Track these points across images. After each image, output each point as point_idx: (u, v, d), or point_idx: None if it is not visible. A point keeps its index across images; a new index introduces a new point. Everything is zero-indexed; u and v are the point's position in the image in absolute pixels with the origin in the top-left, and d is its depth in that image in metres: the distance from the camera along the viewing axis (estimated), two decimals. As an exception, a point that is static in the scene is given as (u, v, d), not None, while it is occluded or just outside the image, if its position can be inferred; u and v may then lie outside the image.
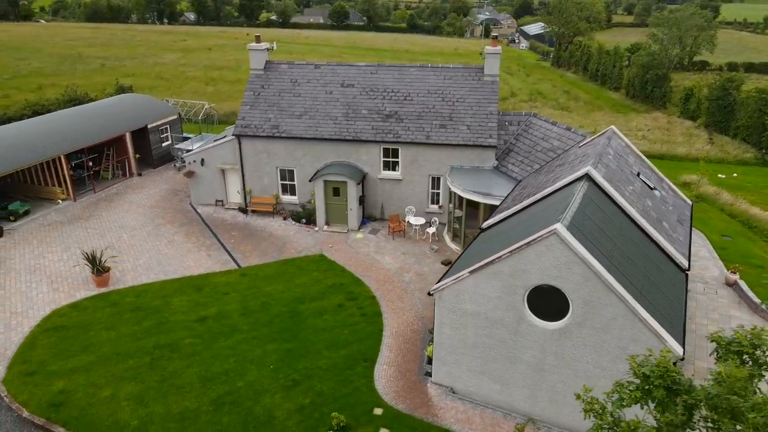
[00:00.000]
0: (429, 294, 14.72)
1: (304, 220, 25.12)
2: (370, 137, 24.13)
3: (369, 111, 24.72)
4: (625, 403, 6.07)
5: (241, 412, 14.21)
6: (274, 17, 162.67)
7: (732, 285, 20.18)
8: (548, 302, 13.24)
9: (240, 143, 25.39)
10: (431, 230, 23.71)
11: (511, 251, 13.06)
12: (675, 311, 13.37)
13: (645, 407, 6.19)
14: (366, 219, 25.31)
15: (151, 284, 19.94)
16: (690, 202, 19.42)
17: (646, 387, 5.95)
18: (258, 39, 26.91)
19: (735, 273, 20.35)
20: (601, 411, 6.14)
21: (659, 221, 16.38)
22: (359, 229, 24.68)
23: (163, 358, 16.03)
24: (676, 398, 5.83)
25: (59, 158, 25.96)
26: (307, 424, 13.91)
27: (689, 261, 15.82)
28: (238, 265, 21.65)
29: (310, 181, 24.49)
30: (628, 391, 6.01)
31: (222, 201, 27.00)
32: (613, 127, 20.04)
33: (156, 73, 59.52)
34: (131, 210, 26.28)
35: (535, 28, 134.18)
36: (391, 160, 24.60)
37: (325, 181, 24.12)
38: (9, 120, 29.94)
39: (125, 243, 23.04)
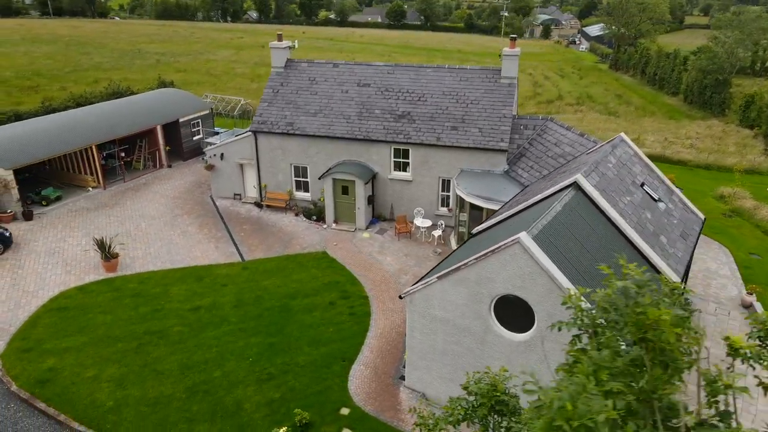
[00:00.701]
0: (400, 297, 14.62)
1: (314, 217, 25.44)
2: (380, 137, 24.13)
3: (382, 111, 24.71)
4: (451, 419, 5.85)
5: (211, 401, 14.59)
6: (332, 16, 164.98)
7: (748, 307, 18.94)
8: (515, 313, 12.87)
9: (256, 139, 25.98)
10: (437, 233, 23.46)
11: (476, 258, 12.77)
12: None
13: (472, 425, 5.97)
14: (375, 219, 25.33)
15: (155, 272, 20.76)
16: (702, 217, 18.31)
17: (474, 404, 5.74)
18: (280, 37, 27.41)
19: (752, 294, 19.08)
20: (432, 427, 5.94)
21: (656, 235, 15.55)
22: (367, 228, 24.74)
23: (150, 343, 16.68)
24: (501, 419, 5.58)
25: (91, 148, 27.40)
26: (272, 419, 14.12)
27: (685, 278, 14.95)
28: (242, 258, 22.19)
29: (319, 178, 24.77)
30: (459, 407, 5.81)
31: (240, 195, 27.72)
32: (622, 134, 19.17)
33: (207, 69, 61.68)
34: (154, 200, 27.41)
35: (596, 29, 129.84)
36: (401, 160, 24.52)
37: (334, 179, 24.33)
38: (54, 111, 31.84)
39: (142, 231, 24.07)
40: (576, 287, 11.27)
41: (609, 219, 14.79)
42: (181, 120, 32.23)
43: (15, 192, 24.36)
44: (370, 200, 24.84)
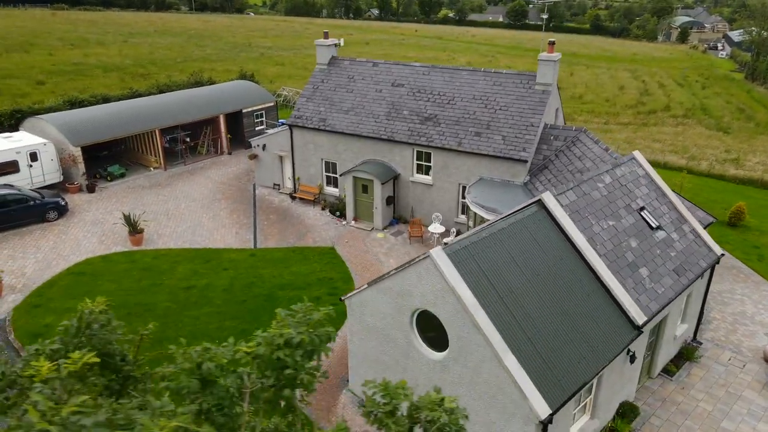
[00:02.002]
0: (340, 300, 14.56)
1: (338, 213, 25.85)
2: (404, 138, 23.91)
3: (410, 112, 24.46)
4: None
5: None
6: (451, 14, 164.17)
7: (770, 361, 16.36)
8: (437, 330, 12.30)
9: (292, 132, 26.92)
10: (448, 240, 22.79)
11: (397, 269, 12.39)
12: (576, 371, 11.48)
13: None
14: (395, 219, 25.18)
15: (172, 250, 22.40)
16: (718, 253, 16.06)
17: None
18: (326, 35, 28.08)
19: (779, 348, 16.44)
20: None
21: (634, 266, 13.97)
22: (384, 228, 24.67)
23: (135, 315, 18.10)
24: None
25: (155, 132, 30.07)
26: (212, 400, 14.74)
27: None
28: (255, 245, 23.21)
29: (340, 175, 25.11)
30: None
31: (279, 185, 28.90)
32: (636, 152, 17.33)
33: (303, 63, 64.52)
34: (203, 183, 29.45)
35: (737, 34, 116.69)
36: (424, 163, 24.12)
37: (354, 177, 24.54)
38: (139, 96, 35.30)
39: (179, 211, 26.03)
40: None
41: (572, 243, 13.56)
42: (244, 111, 34.20)
43: (81, 166, 27.45)
44: (390, 201, 24.73)
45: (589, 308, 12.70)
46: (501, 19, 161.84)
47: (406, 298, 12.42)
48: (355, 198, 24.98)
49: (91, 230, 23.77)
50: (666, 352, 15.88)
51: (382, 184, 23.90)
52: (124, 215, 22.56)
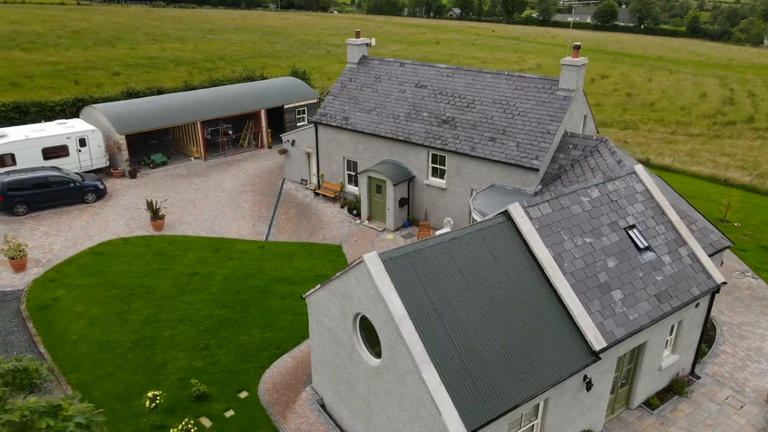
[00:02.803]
0: (302, 297, 14.67)
1: (355, 212, 26.00)
2: (419, 140, 23.65)
3: (429, 114, 24.14)
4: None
5: (145, 355, 16.38)
6: (535, 15, 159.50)
7: (775, 405, 14.75)
8: (377, 336, 12.13)
9: (317, 129, 27.35)
10: (454, 246, 22.29)
11: (341, 272, 12.33)
12: (510, 392, 10.92)
13: None
14: (409, 222, 24.96)
15: (188, 237, 23.48)
16: (718, 281, 14.65)
17: None
18: (358, 35, 28.27)
19: (786, 391, 14.79)
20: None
21: (606, 288, 13.07)
22: (396, 230, 24.53)
23: (136, 296, 19.17)
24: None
25: (196, 124, 31.59)
26: (182, 383, 15.39)
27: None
28: (266, 238, 23.84)
29: (356, 174, 25.20)
30: None
31: (306, 181, 29.48)
32: (638, 165, 16.13)
33: (367, 61, 65.31)
34: (236, 175, 30.59)
35: None
36: (439, 167, 23.74)
37: (369, 177, 24.57)
38: (193, 88, 37.16)
39: (207, 200, 27.21)
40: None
41: (535, 258, 12.89)
42: (286, 106, 35.14)
43: (125, 153, 29.36)
44: (404, 203, 24.54)
45: (540, 328, 12.02)
46: (589, 20, 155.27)
47: (349, 300, 12.34)
48: (369, 198, 25.02)
49: (121, 213, 25.39)
50: (649, 383, 14.71)
51: (395, 185, 23.76)
52: (147, 201, 23.88)
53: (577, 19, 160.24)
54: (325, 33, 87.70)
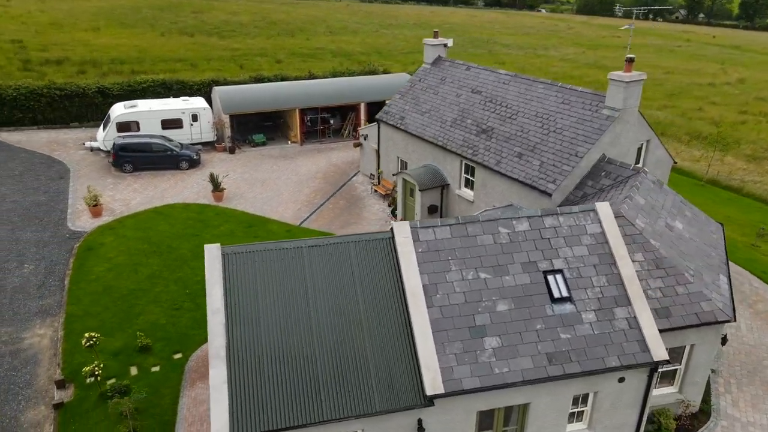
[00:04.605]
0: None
1: (395, 212, 25.90)
2: (454, 148, 22.64)
3: (473, 121, 22.92)
4: None
5: (129, 304, 18.84)
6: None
7: None
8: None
9: (379, 127, 27.69)
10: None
11: (213, 258, 12.93)
12: (304, 412, 10.53)
13: None
14: (439, 231, 24.04)
15: (235, 210, 25.83)
16: (656, 358, 11.78)
17: None
18: (436, 35, 27.73)
19: None
20: None
21: (481, 331, 11.58)
22: (423, 237, 23.85)
23: (157, 253, 21.93)
24: None
25: (296, 111, 34.15)
26: (140, 335, 17.44)
27: (451, 392, 11.06)
28: (300, 224, 25.14)
29: (393, 175, 24.97)
30: None
31: (373, 176, 30.05)
32: (603, 204, 13.55)
33: (522, 63, 62.26)
34: (317, 162, 32.42)
35: None
36: (470, 178, 22.47)
37: (404, 180, 24.24)
38: (314, 77, 39.95)
39: (276, 180, 29.48)
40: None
41: (403, 288, 11.97)
42: (387, 101, 35.86)
43: (228, 130, 33.12)
44: (433, 210, 23.74)
45: (379, 356, 11.22)
46: None
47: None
48: (404, 200, 24.71)
49: (199, 183, 28.88)
50: (548, 455, 12.56)
51: (423, 191, 23.13)
52: (211, 174, 26.83)
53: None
54: (505, 32, 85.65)
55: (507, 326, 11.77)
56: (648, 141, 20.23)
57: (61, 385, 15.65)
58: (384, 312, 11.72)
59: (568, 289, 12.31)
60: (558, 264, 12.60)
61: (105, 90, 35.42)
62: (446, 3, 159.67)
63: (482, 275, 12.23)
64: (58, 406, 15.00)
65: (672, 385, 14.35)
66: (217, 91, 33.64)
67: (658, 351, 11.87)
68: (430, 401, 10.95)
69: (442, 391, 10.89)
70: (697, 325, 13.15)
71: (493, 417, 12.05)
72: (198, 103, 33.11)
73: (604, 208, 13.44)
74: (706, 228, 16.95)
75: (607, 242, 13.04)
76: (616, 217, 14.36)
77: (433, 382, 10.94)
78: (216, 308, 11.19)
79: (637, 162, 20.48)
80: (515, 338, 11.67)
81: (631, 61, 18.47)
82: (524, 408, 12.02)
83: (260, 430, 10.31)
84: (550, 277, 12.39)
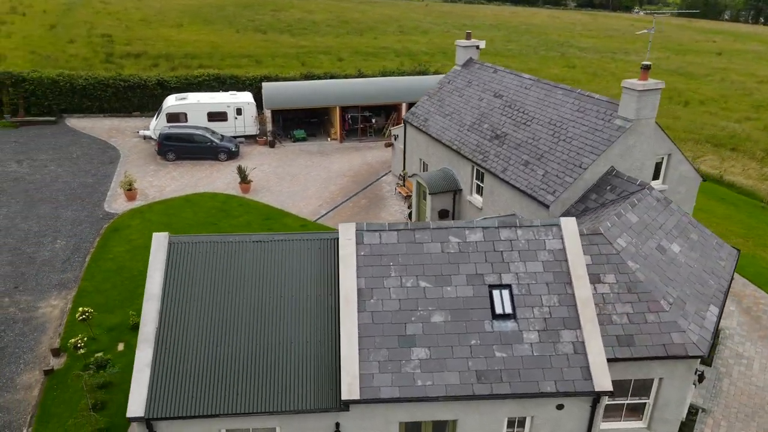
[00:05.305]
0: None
1: (411, 214, 25.68)
2: (467, 153, 22.11)
3: (489, 126, 22.28)
4: None
5: (135, 284, 20.03)
6: None
7: None
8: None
9: (405, 128, 27.52)
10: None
11: (173, 246, 13.49)
12: (224, 402, 10.79)
13: None
14: (450, 236, 23.56)
15: (258, 203, 26.66)
16: (598, 388, 10.94)
17: None
18: (468, 36, 27.21)
19: None
20: None
21: (410, 341, 11.33)
22: (433, 241, 23.48)
23: (174, 238, 23.12)
24: None
25: (336, 108, 34.66)
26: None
27: (370, 399, 10.89)
28: (316, 220, 25.54)
29: (409, 177, 24.69)
30: None
31: (401, 176, 29.93)
32: (568, 219, 12.70)
33: (595, 68, 59.16)
34: (351, 160, 32.73)
35: None
36: (481, 184, 21.85)
37: (417, 182, 23.96)
38: (363, 76, 40.30)
39: (306, 176, 30.09)
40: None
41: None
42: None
43: (269, 125, 34.20)
44: (444, 215, 23.29)
45: (304, 354, 11.27)
46: None
47: (173, 274, 13.47)
48: (418, 203, 24.43)
49: (232, 174, 30.05)
50: (481, 477, 12.01)
51: (433, 194, 22.77)
52: (239, 167, 27.85)
53: None
54: (585, 35, 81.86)
55: (439, 338, 11.40)
56: (669, 155, 18.72)
57: (56, 353, 16.95)
58: (316, 312, 11.73)
59: (513, 306, 11.72)
60: (507, 279, 12.02)
61: (164, 82, 37.70)
62: (534, 3, 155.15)
63: (422, 284, 11.92)
64: (48, 372, 16.26)
65: (641, 419, 13.26)
66: (264, 87, 34.80)
67: (602, 381, 11.03)
68: (345, 406, 10.85)
69: (358, 398, 10.74)
70: (663, 358, 12.06)
71: (419, 430, 11.72)
72: (243, 97, 34.43)
73: (569, 224, 12.65)
74: (712, 253, 15.47)
75: (566, 260, 12.27)
76: (593, 234, 13.48)
77: (349, 387, 10.81)
78: (152, 294, 11.70)
79: (656, 178, 19.02)
80: (445, 351, 11.28)
81: (647, 68, 17.17)
82: (453, 424, 11.59)
83: (174, 414, 10.67)
84: (495, 292, 11.85)
